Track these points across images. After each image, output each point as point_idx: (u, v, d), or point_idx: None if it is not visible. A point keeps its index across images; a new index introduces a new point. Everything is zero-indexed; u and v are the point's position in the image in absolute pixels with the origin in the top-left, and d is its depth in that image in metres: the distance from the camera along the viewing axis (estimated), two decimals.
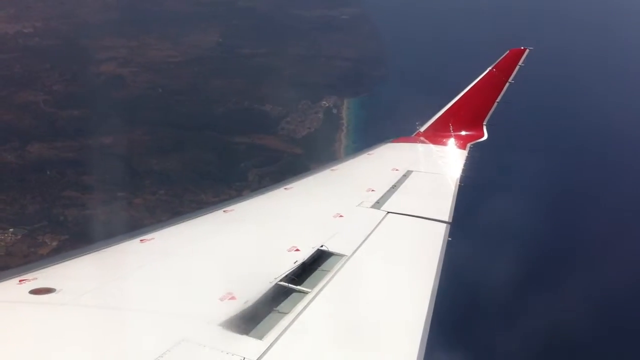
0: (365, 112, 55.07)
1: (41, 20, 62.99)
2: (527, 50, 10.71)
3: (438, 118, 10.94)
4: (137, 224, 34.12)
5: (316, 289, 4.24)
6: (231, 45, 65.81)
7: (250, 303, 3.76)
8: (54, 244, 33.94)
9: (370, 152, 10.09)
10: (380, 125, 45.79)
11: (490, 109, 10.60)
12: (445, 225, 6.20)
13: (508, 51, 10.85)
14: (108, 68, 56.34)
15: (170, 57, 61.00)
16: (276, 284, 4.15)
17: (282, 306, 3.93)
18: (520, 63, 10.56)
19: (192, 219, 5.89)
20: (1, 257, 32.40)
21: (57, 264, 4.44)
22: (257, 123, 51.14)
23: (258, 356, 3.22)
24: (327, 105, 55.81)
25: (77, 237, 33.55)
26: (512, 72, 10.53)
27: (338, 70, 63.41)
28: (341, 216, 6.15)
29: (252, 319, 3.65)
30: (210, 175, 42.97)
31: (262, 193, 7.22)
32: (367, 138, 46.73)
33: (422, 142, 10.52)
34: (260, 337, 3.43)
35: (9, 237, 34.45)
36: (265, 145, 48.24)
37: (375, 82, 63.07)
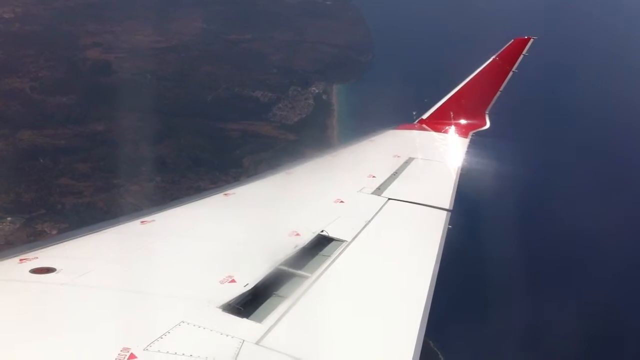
0: (355, 97, 55.28)
1: (21, 6, 61.19)
2: (532, 40, 10.66)
3: (440, 106, 10.82)
4: (136, 211, 34.01)
5: (316, 274, 4.24)
6: (216, 31, 65.18)
7: (250, 286, 3.78)
8: (54, 232, 33.56)
9: (372, 139, 9.99)
10: (371, 111, 46.17)
11: (493, 98, 10.51)
12: (445, 212, 6.21)
13: (512, 40, 10.82)
14: (93, 54, 55.33)
15: (156, 43, 60.04)
16: (276, 268, 4.16)
17: (282, 290, 3.94)
18: (524, 52, 10.46)
19: (193, 201, 5.88)
20: (0, 245, 31.95)
21: (57, 244, 4.47)
22: (248, 110, 51.13)
23: (257, 339, 3.23)
24: (317, 91, 56.08)
25: (76, 226, 33.28)
26: (515, 62, 10.46)
27: (325, 56, 63.62)
28: (342, 202, 6.11)
29: (252, 303, 3.68)
30: (205, 162, 42.95)
31: (263, 177, 7.18)
32: (358, 123, 47.01)
33: (424, 129, 10.47)
34: (260, 321, 3.46)
35: (8, 226, 34.01)
36: (258, 132, 48.36)
37: (362, 67, 63.46)
